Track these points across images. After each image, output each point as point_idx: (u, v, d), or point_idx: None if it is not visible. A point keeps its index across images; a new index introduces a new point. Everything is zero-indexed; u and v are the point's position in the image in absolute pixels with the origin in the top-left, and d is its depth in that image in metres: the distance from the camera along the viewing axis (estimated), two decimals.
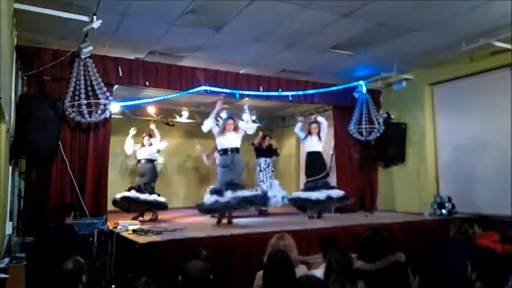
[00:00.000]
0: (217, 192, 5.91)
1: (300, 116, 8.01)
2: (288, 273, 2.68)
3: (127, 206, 6.76)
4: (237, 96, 7.11)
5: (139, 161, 7.22)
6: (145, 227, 5.28)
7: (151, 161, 7.19)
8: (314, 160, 7.13)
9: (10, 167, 4.86)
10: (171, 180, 10.25)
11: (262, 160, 8.36)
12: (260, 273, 3.01)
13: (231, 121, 6.29)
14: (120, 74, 6.16)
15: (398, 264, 2.81)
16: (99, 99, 5.67)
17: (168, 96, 7.00)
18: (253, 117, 7.61)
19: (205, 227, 5.73)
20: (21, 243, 4.88)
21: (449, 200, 6.88)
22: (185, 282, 2.74)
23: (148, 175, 7.03)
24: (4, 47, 3.26)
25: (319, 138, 7.09)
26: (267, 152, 8.49)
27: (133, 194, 6.73)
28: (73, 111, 5.54)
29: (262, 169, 8.28)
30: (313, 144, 7.12)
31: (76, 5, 4.71)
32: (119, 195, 6.74)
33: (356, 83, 7.86)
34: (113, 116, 6.23)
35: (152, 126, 7.42)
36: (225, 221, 6.10)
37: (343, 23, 5.41)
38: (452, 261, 2.58)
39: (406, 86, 7.86)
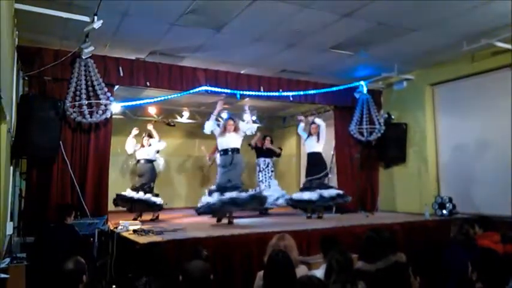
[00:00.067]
0: (216, 192, 5.93)
1: (300, 116, 8.01)
2: (289, 273, 2.68)
3: (124, 205, 6.85)
4: (238, 96, 7.12)
5: (138, 161, 7.24)
6: (145, 227, 5.28)
7: (150, 161, 7.20)
8: (314, 160, 7.19)
9: (11, 167, 4.86)
10: (173, 180, 10.26)
11: (261, 160, 8.37)
12: (260, 273, 3.01)
13: (231, 122, 6.32)
14: (121, 74, 6.17)
15: (399, 265, 2.81)
16: (100, 99, 5.68)
17: (169, 97, 7.01)
18: (254, 118, 7.60)
19: (206, 227, 5.73)
20: (22, 243, 4.89)
21: (450, 200, 6.88)
22: (186, 282, 2.74)
23: (148, 175, 7.04)
24: (5, 47, 3.26)
25: (318, 139, 7.11)
26: (266, 152, 8.49)
27: (128, 193, 6.77)
28: (74, 112, 5.54)
29: (261, 169, 8.29)
30: (313, 144, 7.19)
31: (77, 5, 4.72)
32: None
33: (357, 83, 7.86)
34: (113, 116, 6.23)
35: (150, 127, 7.42)
36: (225, 221, 6.12)
37: (343, 23, 5.41)
38: (453, 261, 2.58)
39: (406, 86, 7.85)
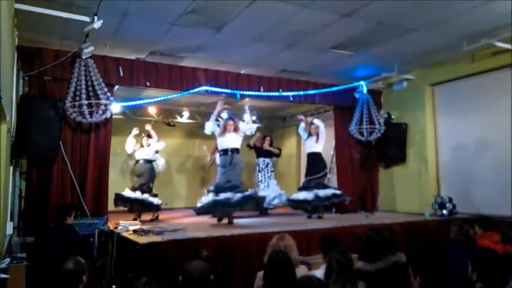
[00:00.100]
0: (215, 192, 5.94)
1: (300, 115, 8.02)
2: (289, 273, 2.68)
3: (124, 205, 6.86)
4: (238, 96, 7.12)
5: (137, 161, 7.23)
6: (145, 227, 5.28)
7: (149, 161, 7.20)
8: (313, 160, 7.23)
9: (11, 167, 4.86)
10: (173, 180, 10.26)
11: (261, 160, 8.38)
12: (260, 273, 3.01)
13: (231, 122, 6.34)
14: (121, 74, 6.17)
15: (399, 265, 2.81)
16: (100, 99, 5.68)
17: (169, 97, 7.01)
18: (254, 118, 7.61)
19: (206, 227, 5.73)
20: (22, 243, 4.89)
21: (450, 200, 6.88)
22: (186, 283, 2.74)
23: (146, 175, 7.04)
24: (5, 47, 3.26)
25: (318, 139, 7.13)
26: (266, 152, 8.50)
27: (126, 192, 6.79)
28: (74, 112, 5.54)
29: (261, 169, 8.30)
30: (312, 145, 7.23)
31: (77, 5, 4.72)
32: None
33: (357, 83, 7.86)
34: (113, 117, 6.23)
35: (148, 127, 7.40)
36: (225, 221, 6.11)
37: (343, 23, 5.41)
38: (453, 261, 2.57)
39: (406, 86, 7.85)
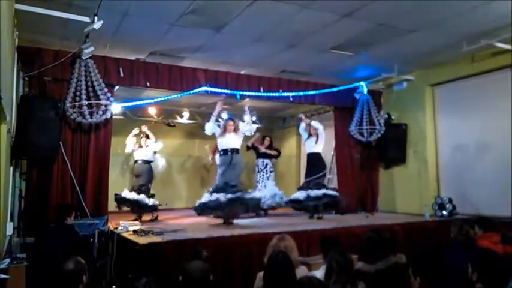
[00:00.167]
0: (213, 192, 5.95)
1: (300, 115, 8.01)
2: (289, 274, 2.67)
3: (124, 205, 6.86)
4: (238, 97, 7.11)
5: (136, 161, 7.23)
6: (145, 227, 5.27)
7: (148, 162, 7.19)
8: (313, 161, 7.27)
9: (11, 168, 4.86)
10: (173, 180, 10.26)
11: (260, 161, 8.38)
12: (260, 274, 3.01)
13: (231, 122, 6.36)
14: (121, 75, 6.17)
15: (399, 266, 2.80)
16: (100, 99, 5.68)
17: (169, 97, 7.02)
18: (254, 118, 7.60)
19: (206, 228, 5.73)
20: (22, 243, 4.89)
21: (450, 201, 6.88)
22: (186, 283, 2.74)
23: (145, 176, 7.04)
24: (5, 47, 3.26)
25: (317, 140, 7.15)
26: (264, 152, 8.49)
27: (125, 193, 6.78)
28: (74, 112, 5.55)
29: (259, 170, 8.30)
30: (312, 145, 7.27)
31: (77, 6, 4.72)
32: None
33: (357, 84, 7.86)
34: (113, 117, 6.23)
35: (145, 129, 7.38)
36: (228, 221, 6.09)
37: (343, 24, 5.41)
38: (453, 262, 2.58)
39: (406, 87, 7.86)
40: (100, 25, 4.64)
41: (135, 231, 4.94)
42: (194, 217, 6.71)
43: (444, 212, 6.88)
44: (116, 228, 5.28)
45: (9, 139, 4.48)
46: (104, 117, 5.72)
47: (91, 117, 5.63)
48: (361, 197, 7.92)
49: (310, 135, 7.32)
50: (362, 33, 5.78)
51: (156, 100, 7.32)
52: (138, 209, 6.82)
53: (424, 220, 6.70)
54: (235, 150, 6.23)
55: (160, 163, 7.67)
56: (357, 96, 7.95)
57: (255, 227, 5.76)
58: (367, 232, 3.20)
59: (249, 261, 4.61)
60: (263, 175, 8.23)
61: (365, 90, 7.88)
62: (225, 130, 6.30)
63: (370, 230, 3.34)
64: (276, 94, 7.42)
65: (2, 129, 3.81)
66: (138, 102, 7.28)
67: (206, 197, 5.95)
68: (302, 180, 7.77)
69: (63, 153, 5.59)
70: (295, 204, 7.21)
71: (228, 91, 6.97)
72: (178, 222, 6.60)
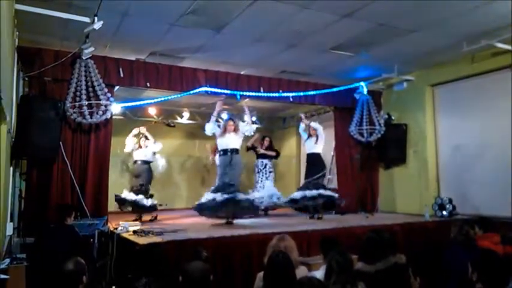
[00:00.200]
0: (213, 192, 5.97)
1: (301, 114, 8.00)
2: (289, 274, 2.67)
3: (122, 206, 6.86)
4: (238, 97, 7.11)
5: (135, 161, 7.23)
6: (145, 228, 5.27)
7: (147, 162, 7.19)
8: (312, 161, 7.28)
9: (11, 168, 4.86)
10: (173, 181, 10.25)
11: (259, 161, 8.38)
12: (260, 274, 3.01)
13: (231, 122, 6.37)
14: (121, 75, 6.17)
15: (398, 266, 2.80)
16: (100, 100, 5.68)
17: (169, 97, 7.02)
18: (254, 118, 7.60)
19: (206, 228, 5.72)
20: (22, 243, 4.88)
21: (450, 201, 6.88)
22: (185, 283, 2.74)
23: (144, 176, 7.03)
24: (5, 47, 3.26)
25: (317, 140, 7.17)
26: (263, 153, 8.49)
27: (125, 194, 6.78)
28: (74, 112, 5.55)
29: (259, 170, 8.31)
30: (312, 145, 7.28)
31: (77, 6, 4.72)
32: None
33: (357, 84, 7.86)
34: (113, 117, 6.23)
35: (143, 130, 7.35)
36: (223, 221, 6.10)
37: (343, 24, 5.41)
38: (453, 262, 2.58)
39: (407, 87, 7.87)
40: (100, 25, 4.64)
41: (135, 232, 4.94)
42: (194, 217, 6.71)
43: (444, 212, 6.88)
44: (116, 228, 5.28)
45: (9, 139, 4.48)
46: (104, 117, 5.72)
47: (91, 118, 5.63)
48: (361, 197, 7.92)
49: (310, 135, 7.33)
50: (362, 34, 5.78)
51: (156, 100, 7.31)
52: (137, 209, 6.82)
53: (424, 220, 6.70)
54: (234, 151, 6.23)
55: (160, 163, 7.64)
56: (357, 96, 7.95)
57: (255, 227, 5.76)
58: (367, 232, 3.20)
59: (249, 262, 4.61)
60: (262, 175, 8.24)
61: (365, 91, 7.88)
62: (225, 130, 6.31)
63: (370, 230, 3.33)
64: (276, 94, 7.43)
65: (2, 129, 3.81)
66: (138, 103, 7.27)
67: (205, 197, 5.97)
68: (302, 180, 7.77)
69: (63, 153, 5.59)
70: (293, 204, 7.26)
71: (228, 91, 6.97)
72: (179, 223, 6.60)
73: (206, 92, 6.79)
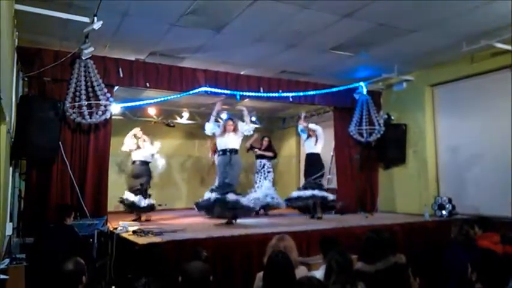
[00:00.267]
0: (212, 191, 6.01)
1: (302, 113, 7.99)
2: (288, 274, 2.67)
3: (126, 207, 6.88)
4: (238, 97, 7.11)
5: (134, 162, 7.21)
6: (145, 227, 5.27)
7: (146, 162, 7.17)
8: (311, 161, 7.30)
9: (10, 168, 4.86)
10: (173, 181, 10.25)
11: (257, 162, 8.39)
12: (260, 274, 3.01)
13: (231, 122, 6.36)
14: (121, 75, 6.17)
15: (398, 266, 2.80)
16: (99, 100, 5.68)
17: (169, 98, 7.01)
18: (254, 118, 7.60)
19: (206, 228, 5.72)
20: (22, 244, 4.88)
21: (450, 201, 6.88)
22: (185, 283, 2.73)
23: (143, 176, 7.02)
24: (5, 48, 3.26)
25: (316, 141, 7.19)
26: (261, 154, 8.50)
27: (126, 195, 6.79)
28: (74, 112, 5.55)
29: (257, 170, 8.32)
30: (311, 146, 7.30)
31: (76, 6, 4.72)
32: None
33: (356, 84, 7.85)
34: (113, 117, 6.23)
35: (139, 134, 7.26)
36: (224, 221, 6.10)
37: (343, 24, 5.41)
38: (452, 262, 2.58)
39: (406, 87, 7.87)
40: (100, 25, 4.64)
41: (134, 232, 4.94)
42: (194, 217, 6.72)
43: (444, 212, 6.88)
44: (116, 228, 5.27)
45: (9, 139, 4.48)
46: (103, 117, 5.72)
47: (90, 118, 5.63)
48: (360, 197, 7.91)
49: (309, 135, 7.34)
50: (362, 34, 5.78)
51: (155, 100, 7.32)
52: (136, 209, 6.82)
53: (423, 220, 6.70)
54: (234, 151, 6.23)
55: (160, 163, 7.64)
56: (356, 96, 7.95)
57: (255, 227, 5.76)
58: (367, 232, 3.20)
59: (249, 262, 4.61)
60: (261, 176, 8.25)
61: (364, 91, 7.88)
62: (224, 130, 6.31)
63: (370, 230, 3.34)
64: (276, 94, 7.42)
65: (2, 129, 3.81)
66: (137, 103, 7.27)
67: (204, 196, 6.03)
68: (302, 180, 7.78)
69: (63, 153, 5.59)
70: (290, 203, 7.38)
71: (228, 91, 6.97)
72: (178, 223, 6.60)
73: (206, 92, 6.79)
